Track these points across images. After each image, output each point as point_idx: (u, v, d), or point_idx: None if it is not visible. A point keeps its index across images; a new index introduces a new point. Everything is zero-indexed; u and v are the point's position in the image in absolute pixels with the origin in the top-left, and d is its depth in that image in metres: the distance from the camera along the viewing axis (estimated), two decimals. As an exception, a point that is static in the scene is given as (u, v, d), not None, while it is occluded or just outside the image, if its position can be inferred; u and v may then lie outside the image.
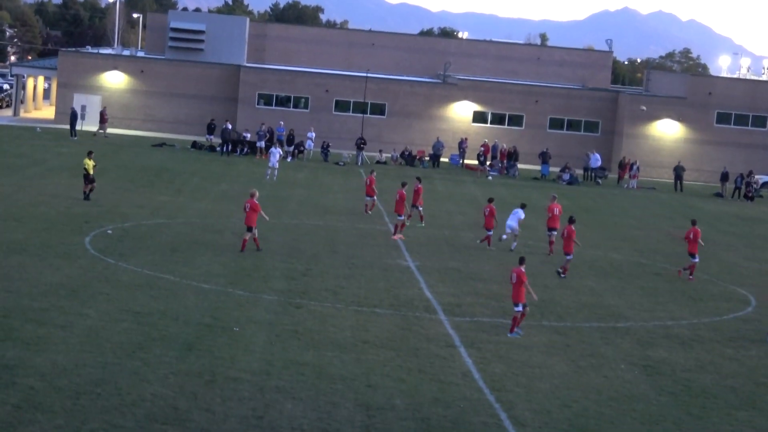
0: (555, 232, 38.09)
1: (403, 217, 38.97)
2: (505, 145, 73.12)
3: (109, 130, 75.15)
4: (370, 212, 44.15)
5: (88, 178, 41.01)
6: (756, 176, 70.81)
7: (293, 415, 17.94)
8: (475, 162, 72.22)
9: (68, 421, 16.57)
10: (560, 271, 33.77)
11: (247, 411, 17.93)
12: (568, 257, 33.76)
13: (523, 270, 25.11)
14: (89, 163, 41.02)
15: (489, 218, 38.07)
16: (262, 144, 67.06)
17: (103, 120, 71.24)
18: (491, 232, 38.11)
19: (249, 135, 69.11)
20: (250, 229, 33.05)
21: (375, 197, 44.30)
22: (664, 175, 75.93)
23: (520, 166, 72.48)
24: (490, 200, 39.10)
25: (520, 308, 25.04)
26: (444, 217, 44.44)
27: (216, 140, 68.70)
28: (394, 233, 38.72)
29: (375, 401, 19.11)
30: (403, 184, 40.19)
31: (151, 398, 18.04)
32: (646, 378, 22.54)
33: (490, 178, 67.41)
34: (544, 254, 37.68)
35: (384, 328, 24.65)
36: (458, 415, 18.82)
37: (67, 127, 69.78)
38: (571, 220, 34.39)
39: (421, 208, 42.21)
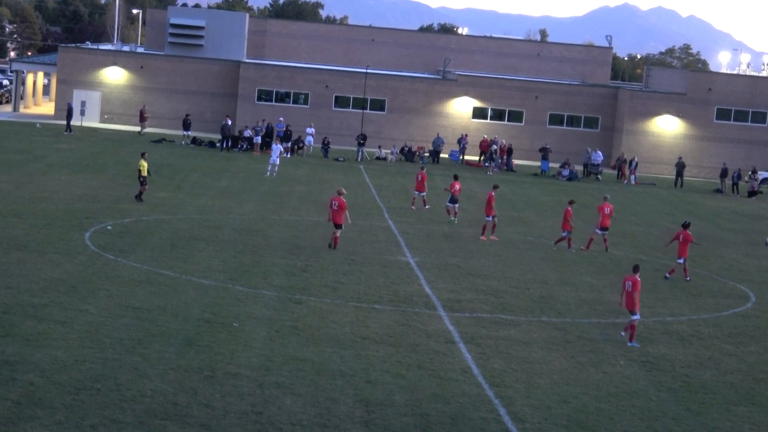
0: (605, 232, 38.58)
1: (491, 218, 39.15)
2: (504, 141, 73.14)
3: (109, 126, 75.31)
4: (417, 207, 46.02)
5: (142, 180, 40.76)
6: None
7: (292, 411, 17.96)
8: (476, 158, 72.31)
9: (68, 417, 16.59)
10: (668, 274, 34.15)
11: (247, 406, 17.95)
12: (680, 261, 33.99)
13: (638, 278, 25.04)
14: (144, 165, 40.79)
15: (566, 221, 38.14)
16: (259, 139, 67.08)
17: (142, 118, 71.34)
18: (565, 234, 38.16)
19: (250, 132, 69.13)
20: (338, 227, 33.99)
21: (424, 193, 46.06)
22: (664, 171, 75.97)
23: (518, 162, 72.57)
24: (571, 202, 39.05)
25: (637, 316, 24.92)
26: (444, 213, 44.45)
27: (191, 136, 68.95)
28: (483, 234, 39.12)
29: (374, 397, 19.13)
30: (495, 187, 40.44)
31: (151, 394, 18.05)
32: (646, 374, 22.55)
33: (490, 173, 67.46)
34: (544, 250, 37.75)
35: (383, 324, 24.67)
36: (458, 411, 18.84)
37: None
38: (685, 225, 34.49)
39: (457, 205, 43.12)
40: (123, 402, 17.51)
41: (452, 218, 42.87)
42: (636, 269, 25.34)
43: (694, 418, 19.89)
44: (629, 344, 24.80)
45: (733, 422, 19.82)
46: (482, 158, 71.79)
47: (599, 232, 38.66)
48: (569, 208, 38.30)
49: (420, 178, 46.01)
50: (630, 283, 25.01)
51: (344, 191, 35.11)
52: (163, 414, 17.16)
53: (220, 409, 17.68)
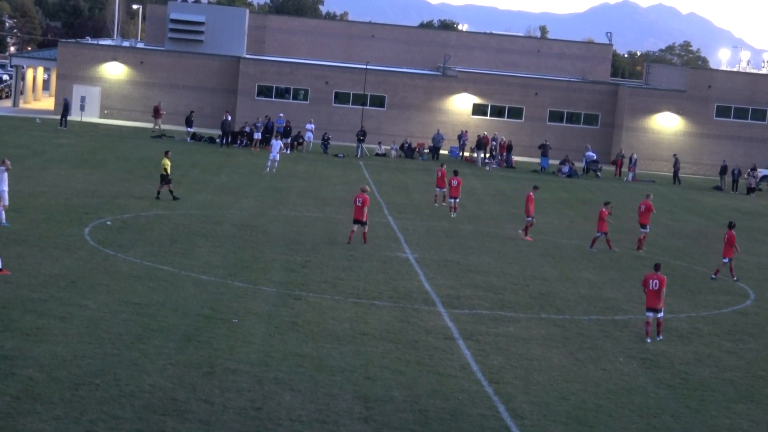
0: (644, 230, 38.98)
1: (530, 218, 39.29)
2: (503, 138, 73.13)
3: (109, 122, 75.27)
4: (439, 204, 46.28)
5: (165, 178, 40.64)
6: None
7: (292, 407, 17.96)
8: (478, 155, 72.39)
9: (67, 412, 16.59)
10: (713, 276, 34.58)
11: (246, 402, 17.95)
12: (725, 260, 34.29)
13: (663, 276, 25.26)
14: (167, 163, 40.69)
15: (601, 221, 38.05)
16: (259, 135, 67.04)
17: (157, 115, 71.25)
18: (599, 234, 38.11)
19: (249, 128, 69.10)
20: (361, 223, 34.26)
21: (445, 189, 46.22)
22: (663, 168, 75.98)
23: (517, 158, 72.58)
24: (606, 203, 39.02)
25: (662, 314, 25.18)
26: (444, 210, 44.48)
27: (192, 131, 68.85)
28: (526, 234, 39.23)
29: (373, 393, 19.13)
30: (535, 188, 40.57)
31: (150, 389, 18.05)
32: (645, 371, 22.56)
33: (488, 169, 67.48)
34: (544, 247, 37.76)
35: (383, 320, 24.67)
36: (457, 407, 18.84)
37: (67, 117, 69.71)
38: (731, 225, 34.78)
39: (457, 200, 43.71)
40: (122, 397, 17.51)
41: (452, 213, 42.93)
42: (658, 267, 25.40)
43: (693, 415, 19.89)
44: (658, 338, 25.05)
45: (732, 419, 19.83)
46: (472, 150, 71.95)
47: (642, 230, 39.11)
48: (604, 209, 38.15)
49: (440, 175, 46.43)
50: (656, 281, 25.06)
51: (368, 188, 35.41)
52: (162, 409, 17.16)
53: (219, 405, 17.68)
